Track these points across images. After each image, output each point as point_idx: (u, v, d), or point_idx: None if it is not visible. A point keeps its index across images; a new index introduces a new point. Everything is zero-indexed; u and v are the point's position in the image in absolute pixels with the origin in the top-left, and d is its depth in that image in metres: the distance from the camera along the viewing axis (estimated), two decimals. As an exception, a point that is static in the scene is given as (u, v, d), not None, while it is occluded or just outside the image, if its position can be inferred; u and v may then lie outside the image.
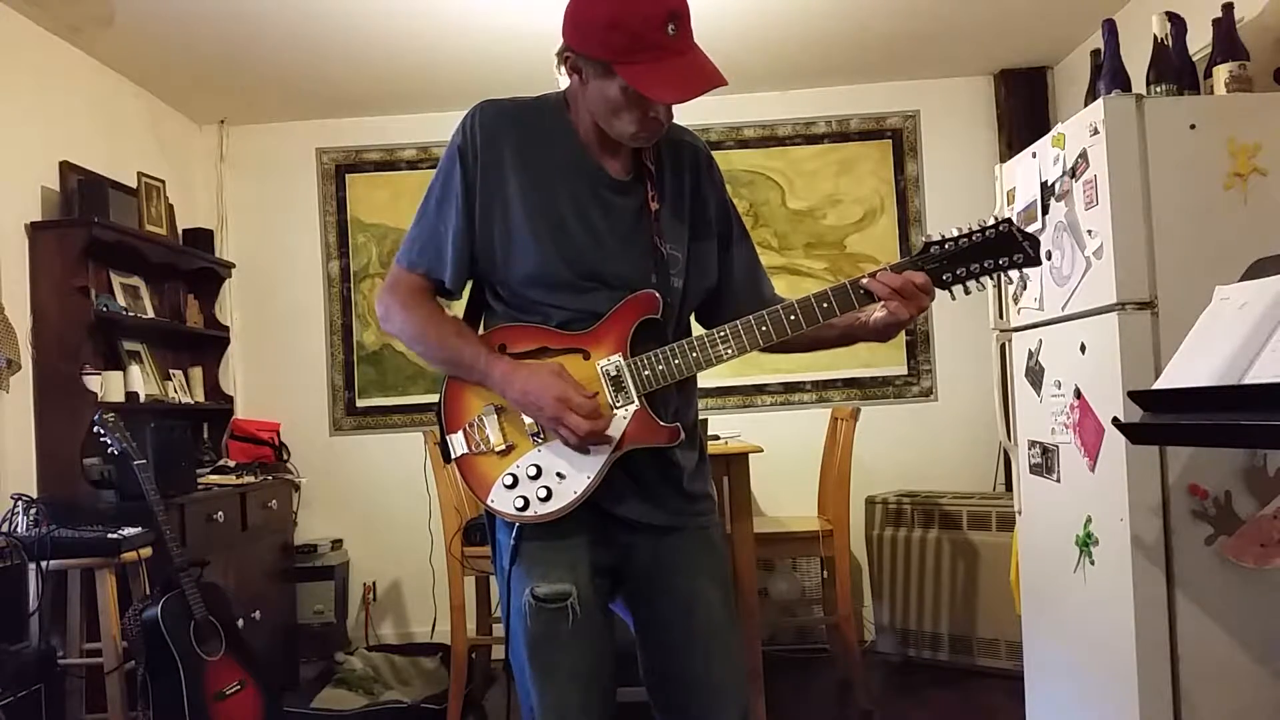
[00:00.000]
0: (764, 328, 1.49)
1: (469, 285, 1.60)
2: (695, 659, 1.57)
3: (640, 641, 1.62)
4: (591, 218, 1.52)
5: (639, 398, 1.49)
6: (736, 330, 1.49)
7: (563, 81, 1.54)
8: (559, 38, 1.49)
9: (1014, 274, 1.51)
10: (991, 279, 1.50)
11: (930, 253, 1.49)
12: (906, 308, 1.47)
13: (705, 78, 1.41)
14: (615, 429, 1.48)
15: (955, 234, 1.49)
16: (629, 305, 1.50)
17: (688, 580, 1.58)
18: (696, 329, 1.63)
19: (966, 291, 1.50)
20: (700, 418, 1.71)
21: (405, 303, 1.56)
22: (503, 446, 1.50)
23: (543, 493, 1.48)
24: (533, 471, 1.49)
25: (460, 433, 1.53)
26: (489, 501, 1.51)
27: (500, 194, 1.52)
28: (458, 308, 1.64)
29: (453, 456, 1.53)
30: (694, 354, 1.50)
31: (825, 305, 1.49)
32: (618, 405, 1.48)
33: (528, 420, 1.49)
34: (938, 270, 1.48)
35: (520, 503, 1.48)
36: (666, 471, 1.56)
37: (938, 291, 1.50)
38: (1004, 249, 1.47)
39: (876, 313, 1.51)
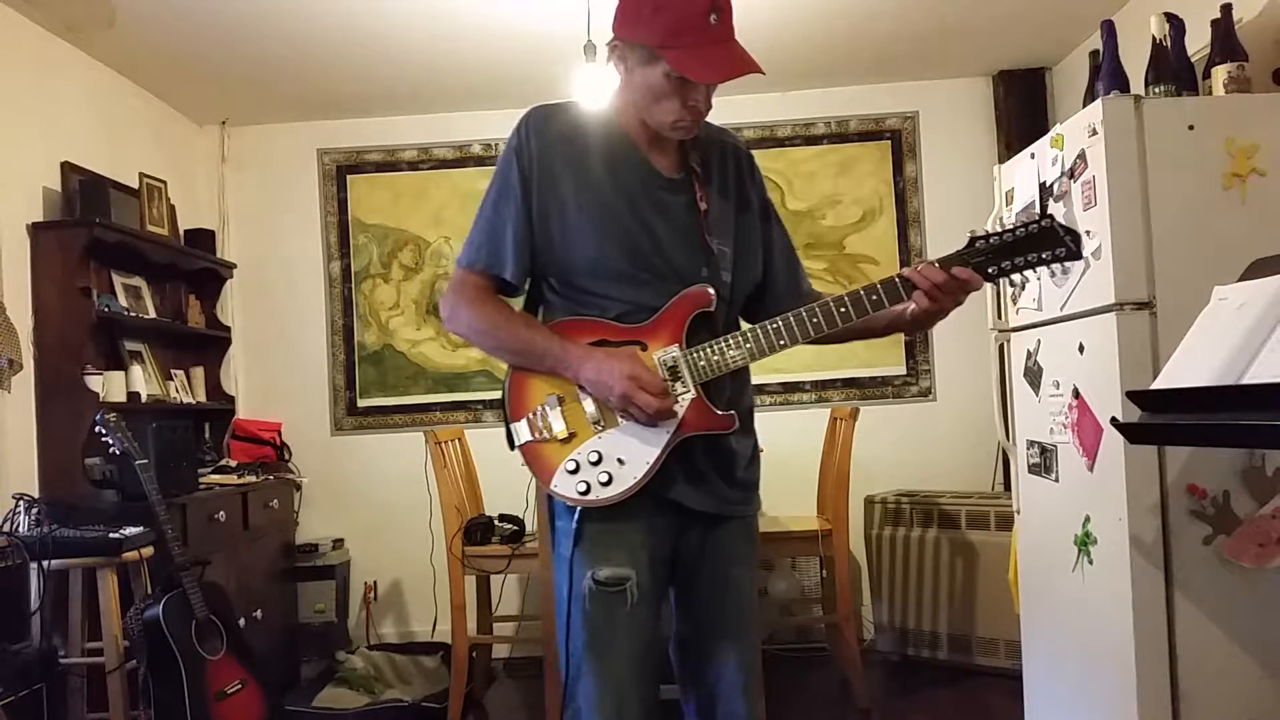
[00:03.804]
0: (815, 319, 1.55)
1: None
2: (722, 639, 1.67)
3: (676, 612, 1.72)
4: (645, 213, 1.59)
5: (695, 387, 1.55)
6: (789, 322, 1.56)
7: (616, 80, 1.62)
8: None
9: (1056, 267, 1.57)
10: (1035, 272, 1.57)
11: (976, 246, 1.56)
12: (944, 301, 1.54)
13: (743, 63, 1.51)
14: (672, 417, 1.55)
15: (1000, 229, 1.56)
16: (683, 299, 1.57)
17: (727, 566, 1.68)
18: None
19: (1012, 284, 1.60)
20: None
21: (471, 301, 1.62)
22: (565, 434, 1.57)
23: (604, 478, 1.55)
24: (594, 458, 1.55)
25: (524, 421, 1.60)
26: (552, 486, 1.57)
27: (556, 191, 1.59)
28: (516, 304, 1.70)
29: (517, 443, 1.61)
30: (749, 344, 1.56)
31: (874, 297, 1.55)
32: (675, 394, 1.55)
33: (589, 410, 1.56)
34: (983, 263, 1.55)
35: (582, 487, 1.55)
36: (723, 459, 1.63)
37: (984, 284, 1.57)
38: (1047, 243, 1.54)
39: (914, 304, 1.57)
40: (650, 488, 1.56)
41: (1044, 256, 1.54)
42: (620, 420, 1.55)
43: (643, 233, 1.58)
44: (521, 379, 1.61)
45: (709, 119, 1.64)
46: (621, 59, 1.56)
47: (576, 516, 1.58)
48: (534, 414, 1.59)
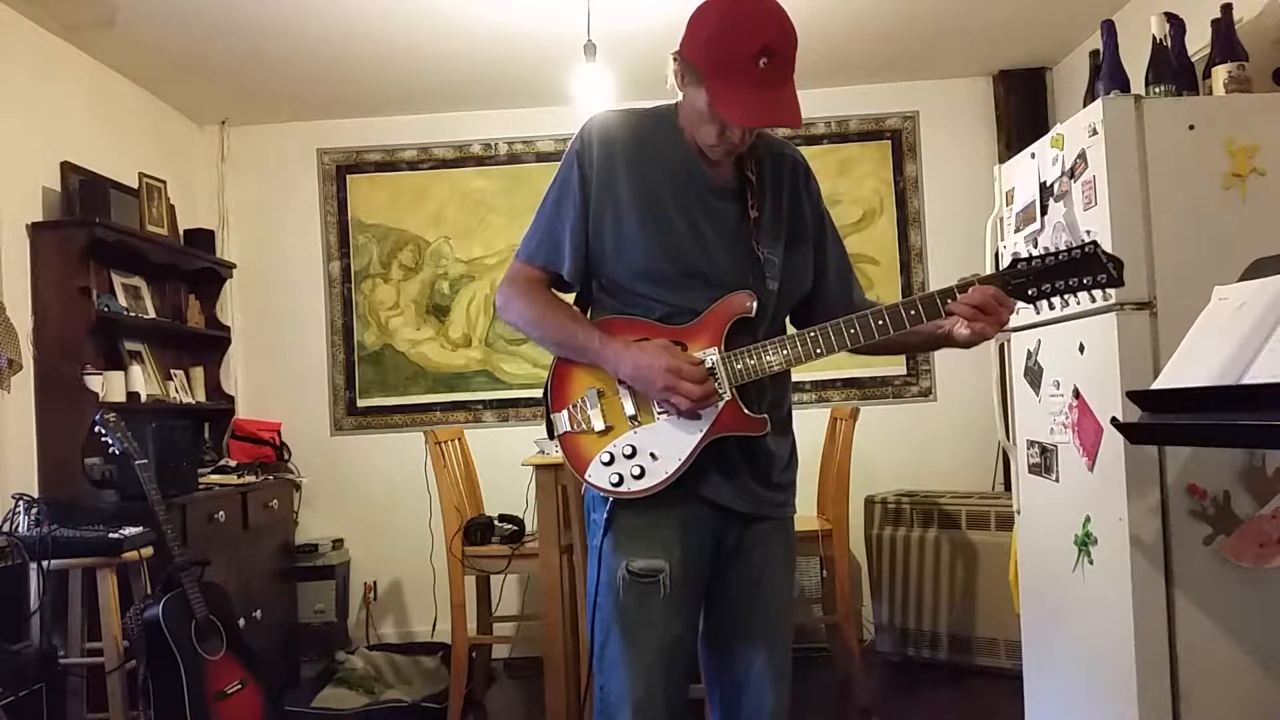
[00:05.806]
0: (852, 330, 1.58)
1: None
2: (753, 636, 1.70)
3: (707, 608, 1.73)
4: (696, 219, 1.63)
5: (731, 389, 1.58)
6: (826, 331, 1.59)
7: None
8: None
9: (1097, 293, 1.57)
10: (1075, 297, 1.57)
11: (1017, 268, 1.56)
12: (990, 325, 1.55)
13: (775, 112, 1.55)
14: (708, 416, 1.58)
15: (1043, 252, 1.57)
16: (724, 304, 1.60)
17: (761, 564, 1.71)
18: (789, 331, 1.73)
19: (1051, 306, 1.58)
20: None
21: (524, 292, 1.68)
22: (602, 427, 1.62)
23: (636, 470, 1.59)
24: (628, 451, 1.60)
25: (564, 412, 1.65)
26: (586, 476, 1.62)
27: (612, 195, 1.63)
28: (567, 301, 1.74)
29: (556, 433, 1.65)
30: (785, 351, 1.59)
31: (913, 312, 1.57)
32: None
33: (626, 405, 1.60)
34: (1024, 285, 1.56)
35: (615, 479, 1.60)
36: (760, 459, 1.67)
37: (1020, 305, 1.58)
38: (1089, 268, 1.54)
39: (961, 329, 1.57)
40: (685, 485, 1.59)
41: (1085, 282, 1.54)
42: (656, 417, 1.59)
43: (692, 238, 1.61)
44: (565, 372, 1.66)
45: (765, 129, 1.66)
46: (679, 74, 1.60)
47: (609, 509, 1.62)
48: (574, 406, 1.64)
